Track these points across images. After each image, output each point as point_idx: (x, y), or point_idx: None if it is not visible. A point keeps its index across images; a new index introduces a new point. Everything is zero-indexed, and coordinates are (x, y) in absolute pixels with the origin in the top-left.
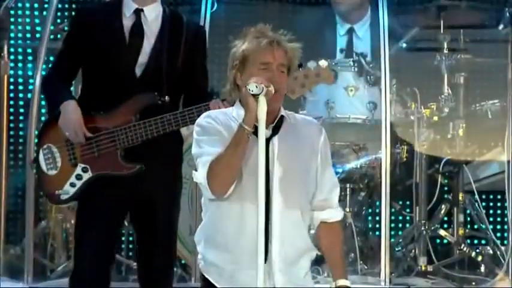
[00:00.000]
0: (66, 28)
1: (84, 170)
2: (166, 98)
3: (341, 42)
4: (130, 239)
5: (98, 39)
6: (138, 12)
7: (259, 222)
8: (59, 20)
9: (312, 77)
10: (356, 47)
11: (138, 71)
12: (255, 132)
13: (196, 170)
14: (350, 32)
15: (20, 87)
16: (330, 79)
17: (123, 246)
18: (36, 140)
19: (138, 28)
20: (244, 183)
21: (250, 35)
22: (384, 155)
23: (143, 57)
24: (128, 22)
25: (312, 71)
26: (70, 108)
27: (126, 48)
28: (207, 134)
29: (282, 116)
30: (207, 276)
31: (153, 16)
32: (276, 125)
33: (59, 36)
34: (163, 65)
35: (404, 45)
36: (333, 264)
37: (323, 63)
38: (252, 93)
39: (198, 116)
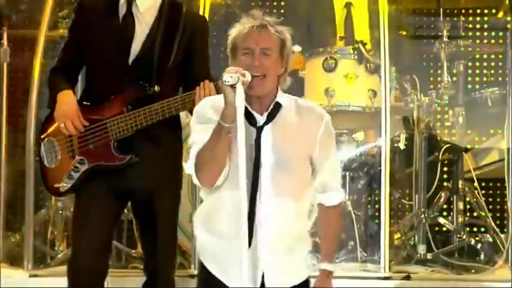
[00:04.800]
0: (65, 16)
1: (81, 162)
2: (156, 88)
3: (339, 17)
4: (130, 227)
5: (95, 28)
6: (129, 2)
7: (242, 210)
8: (58, 8)
9: None
10: (354, 21)
11: (131, 60)
12: (248, 119)
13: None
14: (348, 6)
15: (19, 75)
16: (302, 65)
17: (123, 234)
18: (37, 130)
19: (128, 18)
20: (234, 171)
21: (239, 22)
22: (384, 142)
23: (136, 47)
24: (122, 11)
25: None
26: (64, 99)
27: (118, 38)
28: (201, 122)
29: (278, 103)
30: (202, 260)
31: (146, 5)
32: (271, 112)
33: (58, 24)
34: (154, 55)
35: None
36: (323, 246)
37: (296, 48)
38: (228, 84)
39: (182, 105)
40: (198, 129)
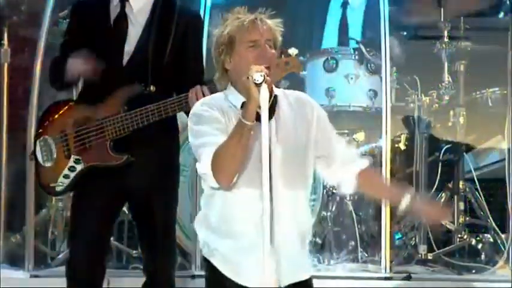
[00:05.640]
0: (65, 17)
1: (77, 162)
2: (152, 88)
3: (336, 15)
4: (131, 227)
5: (89, 29)
6: (122, 2)
7: (264, 210)
8: (58, 8)
9: (281, 66)
10: (350, 19)
11: (125, 60)
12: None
13: (198, 161)
14: (344, 5)
15: (20, 75)
16: (299, 68)
17: (123, 234)
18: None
19: (121, 17)
20: (246, 169)
21: (230, 19)
22: (384, 143)
23: (129, 47)
24: (114, 11)
25: (281, 60)
26: (72, 60)
27: (111, 38)
28: (206, 123)
29: (275, 96)
30: (211, 260)
31: (139, 4)
32: (271, 106)
33: (58, 24)
34: (148, 55)
35: (404, 33)
36: (388, 191)
37: (293, 51)
38: (258, 82)
39: (178, 106)
40: (205, 130)
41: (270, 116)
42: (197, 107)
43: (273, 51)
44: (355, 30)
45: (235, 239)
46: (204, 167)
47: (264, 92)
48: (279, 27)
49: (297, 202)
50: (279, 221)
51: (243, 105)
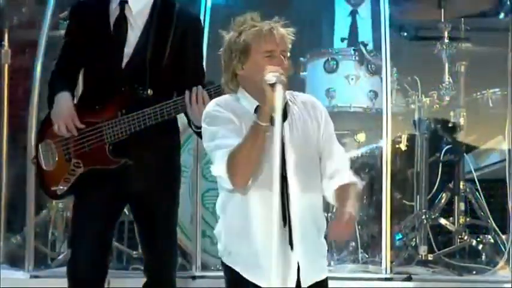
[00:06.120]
0: (66, 18)
1: (77, 165)
2: (149, 91)
3: (344, 24)
4: (131, 228)
5: (88, 32)
6: (122, 4)
7: (274, 213)
8: (58, 9)
9: None
10: (359, 28)
11: (124, 63)
12: (270, 120)
13: (212, 163)
14: (353, 13)
15: (20, 76)
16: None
17: (124, 235)
18: (37, 132)
19: (121, 20)
20: (261, 171)
21: (246, 25)
22: (385, 144)
23: (128, 50)
24: (114, 13)
25: None
26: (60, 100)
27: (111, 41)
28: (220, 124)
29: (287, 101)
30: (233, 267)
31: (138, 7)
32: (284, 110)
33: (59, 25)
34: (147, 58)
35: (405, 34)
36: (345, 197)
37: None
38: (270, 82)
39: (175, 109)
40: (219, 131)
41: (283, 120)
42: (211, 108)
43: (287, 61)
44: (365, 39)
45: (256, 242)
46: (218, 169)
47: (279, 92)
48: (291, 37)
49: (313, 202)
50: (297, 222)
51: (256, 109)
